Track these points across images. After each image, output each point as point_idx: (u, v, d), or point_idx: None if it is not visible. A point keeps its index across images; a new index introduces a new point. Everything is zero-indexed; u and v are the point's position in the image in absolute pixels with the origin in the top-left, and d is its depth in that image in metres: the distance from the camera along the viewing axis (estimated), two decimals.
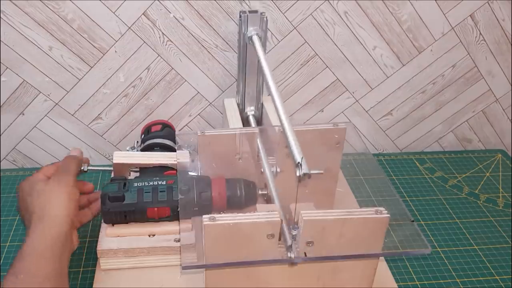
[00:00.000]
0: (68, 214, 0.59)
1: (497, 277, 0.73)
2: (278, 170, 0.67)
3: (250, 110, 0.84)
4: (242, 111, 0.84)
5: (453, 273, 0.74)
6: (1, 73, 0.82)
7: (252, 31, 0.73)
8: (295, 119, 0.94)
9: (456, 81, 0.94)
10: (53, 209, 0.58)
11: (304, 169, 0.52)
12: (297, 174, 0.52)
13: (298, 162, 0.52)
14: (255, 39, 0.72)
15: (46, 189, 0.60)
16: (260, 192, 0.66)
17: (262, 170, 0.67)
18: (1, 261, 0.73)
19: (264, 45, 0.74)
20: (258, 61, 0.70)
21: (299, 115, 0.95)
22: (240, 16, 0.74)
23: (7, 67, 0.82)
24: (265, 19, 0.73)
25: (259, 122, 0.84)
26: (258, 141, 0.68)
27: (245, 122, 0.84)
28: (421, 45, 0.89)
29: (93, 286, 0.65)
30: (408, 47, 0.89)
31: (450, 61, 0.91)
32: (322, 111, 0.95)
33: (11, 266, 0.53)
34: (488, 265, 0.75)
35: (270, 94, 0.62)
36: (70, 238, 0.58)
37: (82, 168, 0.68)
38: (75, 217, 0.61)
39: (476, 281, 0.73)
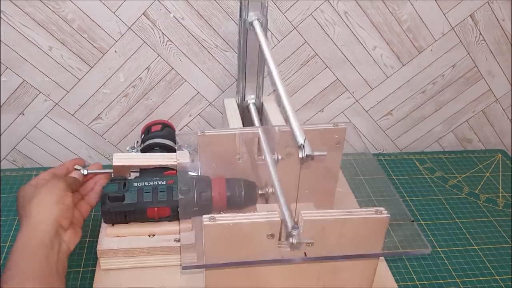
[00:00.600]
0: (54, 218, 0.59)
1: (497, 277, 0.73)
2: (280, 157, 0.66)
3: (250, 99, 0.83)
4: (241, 113, 0.84)
5: (453, 273, 0.74)
6: (1, 73, 0.82)
7: (252, 16, 0.72)
8: None
9: (456, 81, 0.94)
10: (39, 214, 0.59)
11: (307, 151, 0.51)
12: (300, 156, 0.51)
13: (301, 144, 0.51)
14: (256, 24, 0.70)
15: (35, 195, 0.61)
16: (260, 192, 0.66)
17: (263, 158, 0.66)
18: (1, 261, 0.73)
19: (265, 30, 0.72)
20: (259, 45, 0.68)
21: (299, 115, 0.94)
22: (240, 2, 0.72)
23: (7, 67, 0.82)
24: (266, 4, 0.72)
25: (259, 111, 0.84)
26: (260, 132, 0.68)
27: (246, 111, 0.83)
28: (421, 45, 0.89)
29: (93, 286, 0.65)
30: (408, 47, 0.89)
31: (450, 61, 0.91)
32: (322, 111, 0.95)
33: (6, 260, 0.55)
34: (488, 265, 0.75)
35: (270, 74, 0.60)
36: (58, 240, 0.58)
37: (83, 173, 0.68)
38: (66, 219, 0.60)
39: (476, 281, 0.73)
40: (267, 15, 0.73)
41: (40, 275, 0.54)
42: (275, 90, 0.58)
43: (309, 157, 0.50)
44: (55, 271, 0.56)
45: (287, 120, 0.55)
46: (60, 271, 0.57)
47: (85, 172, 0.69)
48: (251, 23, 0.71)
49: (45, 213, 0.59)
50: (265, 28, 0.73)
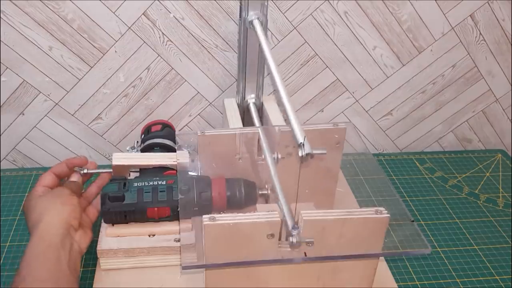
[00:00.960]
0: (64, 219, 0.59)
1: (497, 277, 0.73)
2: (280, 156, 0.66)
3: (250, 98, 0.83)
4: (241, 112, 0.84)
5: (453, 273, 0.74)
6: (1, 73, 0.82)
7: (252, 15, 0.72)
8: None
9: (456, 81, 0.94)
10: (46, 217, 0.59)
11: (307, 149, 0.51)
12: (300, 154, 0.51)
13: (301, 143, 0.51)
14: (256, 23, 0.70)
15: (39, 201, 0.62)
16: (260, 192, 0.66)
17: (263, 157, 0.66)
18: (1, 261, 0.73)
19: (265, 29, 0.72)
20: (259, 45, 0.68)
21: (299, 115, 0.94)
22: (240, 1, 0.73)
23: (7, 67, 0.82)
24: (266, 3, 0.71)
25: (259, 111, 0.84)
26: (260, 132, 0.68)
27: (246, 110, 0.83)
28: (421, 45, 0.89)
29: (93, 286, 0.65)
30: (408, 47, 0.89)
31: (450, 61, 0.91)
32: (322, 111, 0.95)
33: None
34: (488, 265, 0.75)
35: (270, 73, 0.61)
36: (69, 240, 0.59)
37: (82, 172, 0.68)
38: (75, 219, 0.61)
39: (476, 281, 0.73)
40: (267, 14, 0.73)
41: (52, 276, 0.54)
42: (275, 90, 0.58)
43: (309, 156, 0.50)
44: (67, 271, 0.56)
45: (287, 119, 0.55)
46: (72, 270, 0.57)
47: (85, 171, 0.69)
48: (251, 22, 0.71)
49: (54, 216, 0.59)
50: (265, 28, 0.73)
